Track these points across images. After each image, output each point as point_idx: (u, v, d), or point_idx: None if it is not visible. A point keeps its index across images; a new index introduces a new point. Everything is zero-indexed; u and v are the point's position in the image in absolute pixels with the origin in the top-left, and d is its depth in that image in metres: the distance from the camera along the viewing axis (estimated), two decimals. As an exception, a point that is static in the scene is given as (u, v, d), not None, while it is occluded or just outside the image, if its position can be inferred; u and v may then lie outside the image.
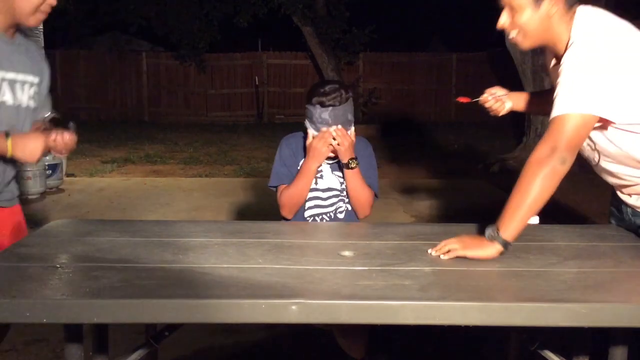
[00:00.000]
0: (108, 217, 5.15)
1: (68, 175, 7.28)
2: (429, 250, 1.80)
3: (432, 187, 6.72)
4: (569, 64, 1.75)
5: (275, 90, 15.15)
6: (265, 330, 3.01)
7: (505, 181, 7.49)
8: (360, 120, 13.37)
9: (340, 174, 2.45)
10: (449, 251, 1.75)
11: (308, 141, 2.38)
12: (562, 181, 1.71)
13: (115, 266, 1.62)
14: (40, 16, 2.07)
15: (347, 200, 2.45)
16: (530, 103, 2.30)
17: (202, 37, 14.82)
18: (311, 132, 2.36)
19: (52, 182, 6.56)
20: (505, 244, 1.72)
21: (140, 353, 1.76)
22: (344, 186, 2.45)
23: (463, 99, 2.42)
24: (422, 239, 1.95)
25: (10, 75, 2.06)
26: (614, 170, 1.95)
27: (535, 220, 2.21)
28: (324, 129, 2.32)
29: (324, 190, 2.45)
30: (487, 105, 2.27)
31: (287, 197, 2.40)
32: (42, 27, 7.15)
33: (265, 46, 15.71)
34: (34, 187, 6.22)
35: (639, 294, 1.63)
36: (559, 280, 1.60)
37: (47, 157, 6.51)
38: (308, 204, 2.44)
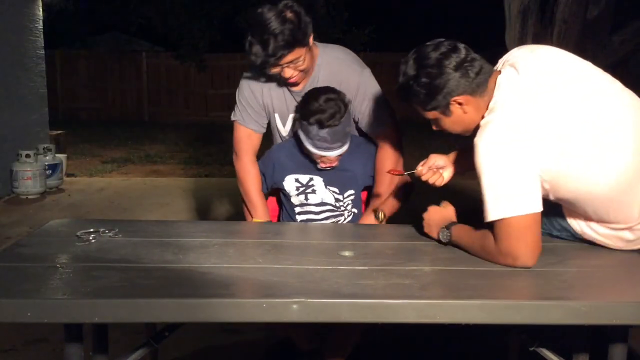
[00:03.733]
0: (108, 217, 5.15)
1: (68, 175, 7.29)
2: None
3: (432, 187, 6.71)
4: (481, 165, 1.66)
5: (275, 90, 15.13)
6: (265, 330, 3.01)
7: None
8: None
9: (335, 189, 2.32)
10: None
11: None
12: None
13: (115, 266, 1.62)
14: None
15: (347, 214, 2.36)
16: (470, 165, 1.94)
17: (202, 37, 14.82)
18: (310, 148, 2.19)
19: (52, 182, 6.56)
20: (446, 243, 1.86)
21: (140, 353, 1.76)
22: (340, 202, 2.34)
23: (396, 172, 2.17)
24: (422, 239, 1.96)
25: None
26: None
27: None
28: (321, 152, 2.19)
29: (317, 205, 2.34)
30: (423, 178, 2.06)
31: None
32: (42, 27, 7.16)
33: (266, 46, 15.69)
34: (34, 187, 6.22)
35: (638, 292, 1.63)
36: (559, 280, 1.60)
37: (47, 157, 6.53)
38: (299, 217, 2.36)
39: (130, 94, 15.70)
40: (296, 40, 2.07)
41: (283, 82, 2.24)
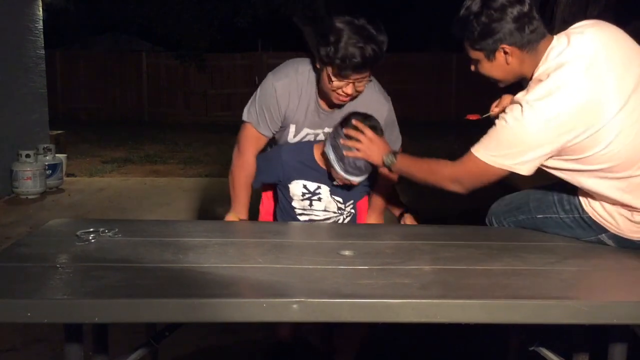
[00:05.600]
0: (108, 217, 5.15)
1: (68, 175, 7.29)
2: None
3: (432, 188, 6.72)
4: (511, 110, 1.81)
5: (275, 90, 15.13)
6: (265, 330, 3.01)
7: (505, 181, 7.48)
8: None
9: (340, 199, 2.33)
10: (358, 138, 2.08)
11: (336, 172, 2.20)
12: None
13: (115, 266, 1.62)
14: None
15: (345, 215, 2.37)
16: None
17: (202, 37, 14.82)
18: (337, 168, 2.17)
19: (52, 182, 6.56)
20: (390, 166, 2.06)
21: (140, 353, 1.76)
22: (342, 210, 2.35)
23: (473, 116, 2.28)
24: (422, 239, 1.96)
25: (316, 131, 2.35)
26: None
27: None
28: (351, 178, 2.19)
29: (320, 211, 2.34)
30: None
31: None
32: (42, 27, 7.16)
33: (265, 46, 15.70)
34: (34, 187, 6.22)
35: (637, 291, 1.63)
36: (559, 279, 1.60)
37: (47, 157, 6.53)
38: (301, 218, 2.35)
39: (130, 94, 15.70)
40: (383, 53, 2.09)
41: (309, 96, 2.23)
